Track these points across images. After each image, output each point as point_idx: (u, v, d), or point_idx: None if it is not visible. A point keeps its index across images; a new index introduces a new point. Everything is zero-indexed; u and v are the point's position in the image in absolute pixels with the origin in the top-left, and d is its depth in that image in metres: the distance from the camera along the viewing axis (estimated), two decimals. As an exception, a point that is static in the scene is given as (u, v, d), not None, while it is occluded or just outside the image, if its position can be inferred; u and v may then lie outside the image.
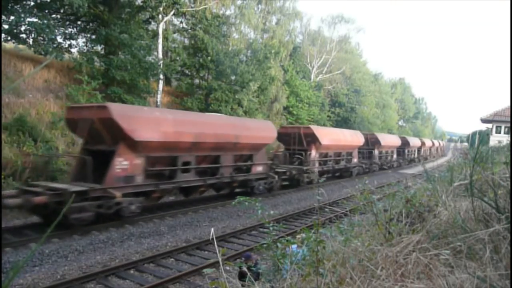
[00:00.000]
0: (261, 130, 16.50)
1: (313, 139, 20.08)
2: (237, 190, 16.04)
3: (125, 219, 11.05)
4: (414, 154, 45.19)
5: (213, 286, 2.35)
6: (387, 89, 64.17)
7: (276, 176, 17.18)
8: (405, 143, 38.96)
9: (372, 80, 55.67)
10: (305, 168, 19.52)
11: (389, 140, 34.20)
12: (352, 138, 25.23)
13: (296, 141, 20.03)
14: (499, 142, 19.19)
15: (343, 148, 24.10)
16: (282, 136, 20.79)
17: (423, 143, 47.86)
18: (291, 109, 34.62)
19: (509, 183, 2.61)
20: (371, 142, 30.22)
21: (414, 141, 44.28)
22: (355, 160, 25.95)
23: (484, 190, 2.75)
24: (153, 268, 8.32)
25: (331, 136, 22.03)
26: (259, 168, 16.38)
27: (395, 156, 36.20)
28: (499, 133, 34.59)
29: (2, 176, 12.03)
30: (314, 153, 20.43)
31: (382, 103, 57.82)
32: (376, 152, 30.91)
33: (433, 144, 57.05)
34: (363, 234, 3.29)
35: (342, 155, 24.27)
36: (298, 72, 38.64)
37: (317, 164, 20.99)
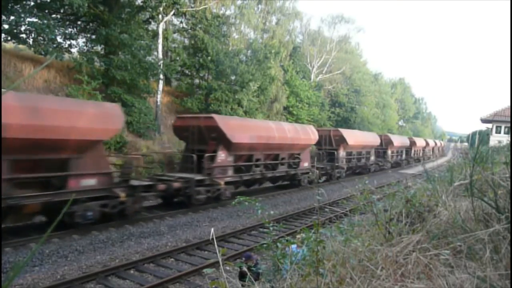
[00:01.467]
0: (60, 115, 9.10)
1: (219, 136, 14.06)
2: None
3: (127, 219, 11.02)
4: (401, 156, 38.72)
5: (213, 286, 2.35)
6: (387, 89, 64.25)
7: (123, 194, 10.67)
8: (387, 143, 33.76)
9: (372, 80, 55.73)
10: (198, 178, 13.26)
11: (362, 139, 27.87)
12: (298, 135, 18.58)
13: (195, 138, 14.39)
14: (499, 142, 19.18)
15: (281, 149, 17.67)
16: (180, 131, 15.37)
17: (413, 143, 42.15)
18: (291, 109, 34.65)
19: (509, 183, 2.61)
20: (336, 141, 24.22)
21: (401, 141, 38.31)
22: (305, 164, 19.73)
23: (484, 190, 2.75)
24: (153, 268, 8.33)
25: (252, 132, 15.46)
26: (89, 182, 10.07)
27: (372, 158, 30.07)
28: (499, 133, 34.58)
29: None
30: (223, 156, 14.36)
31: (382, 103, 57.87)
32: (341, 153, 24.36)
33: (428, 144, 50.60)
34: (363, 234, 3.29)
35: (281, 158, 17.89)
36: (298, 72, 38.68)
37: (230, 172, 14.82)
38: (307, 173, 19.99)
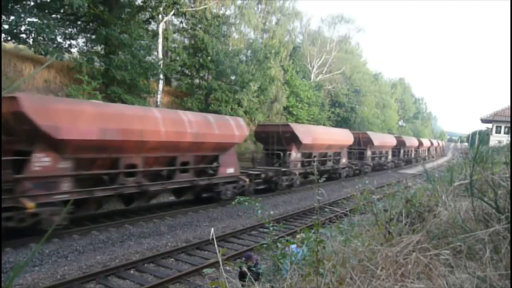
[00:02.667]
0: None
1: (32, 129, 8.78)
2: None
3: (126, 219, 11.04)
4: (386, 157, 32.85)
5: (213, 286, 2.35)
6: (387, 89, 64.28)
7: None
8: (366, 142, 28.60)
9: (372, 80, 55.74)
10: None
11: (325, 137, 21.77)
12: (209, 130, 13.26)
13: (5, 133, 9.05)
14: (499, 142, 19.19)
15: (178, 149, 12.27)
16: None
17: (402, 143, 36.77)
18: (291, 109, 34.64)
19: (509, 183, 2.61)
20: (287, 140, 18.86)
21: (385, 140, 32.39)
22: (229, 170, 14.56)
23: (484, 190, 2.75)
24: (153, 268, 8.33)
25: (108, 123, 10.00)
26: None
27: (344, 160, 24.29)
28: (499, 133, 34.60)
29: None
30: (47, 161, 9.10)
31: (382, 103, 57.90)
32: (294, 155, 18.96)
33: (421, 143, 45.07)
34: (363, 234, 3.29)
35: (180, 163, 12.60)
36: (298, 72, 38.68)
37: (67, 185, 9.40)
38: (234, 182, 14.93)
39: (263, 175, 17.02)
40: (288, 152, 18.82)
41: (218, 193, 14.28)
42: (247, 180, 15.44)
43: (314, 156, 21.15)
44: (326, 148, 22.27)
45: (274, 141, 18.88)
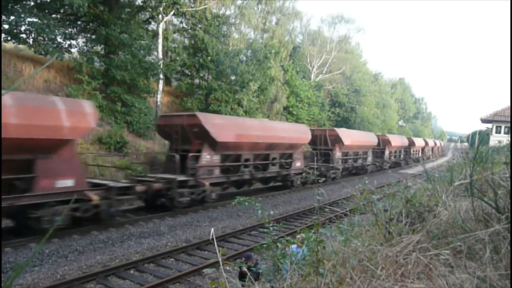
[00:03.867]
0: None
1: None
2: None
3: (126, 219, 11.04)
4: (364, 160, 27.79)
5: (213, 286, 2.35)
6: (387, 89, 64.34)
7: None
8: (334, 141, 23.00)
9: (372, 80, 55.76)
10: None
11: (263, 133, 15.99)
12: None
13: None
14: (499, 142, 19.19)
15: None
16: None
17: (387, 142, 31.98)
18: (291, 109, 34.66)
19: (509, 183, 2.61)
20: (194, 136, 13.57)
21: (362, 139, 27.08)
22: (61, 182, 9.14)
23: (484, 190, 2.76)
24: (153, 268, 8.33)
25: None
26: None
27: (298, 164, 19.00)
28: (499, 133, 34.61)
29: None
30: None
31: (382, 103, 57.91)
32: (206, 158, 13.54)
33: (413, 143, 39.79)
34: (363, 234, 3.29)
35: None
36: (298, 72, 38.71)
37: None
38: (75, 201, 9.46)
39: (138, 188, 11.32)
40: (192, 154, 13.20)
41: (37, 219, 8.76)
42: (95, 198, 9.86)
43: (246, 160, 15.65)
44: (265, 149, 16.69)
45: (179, 138, 13.65)
